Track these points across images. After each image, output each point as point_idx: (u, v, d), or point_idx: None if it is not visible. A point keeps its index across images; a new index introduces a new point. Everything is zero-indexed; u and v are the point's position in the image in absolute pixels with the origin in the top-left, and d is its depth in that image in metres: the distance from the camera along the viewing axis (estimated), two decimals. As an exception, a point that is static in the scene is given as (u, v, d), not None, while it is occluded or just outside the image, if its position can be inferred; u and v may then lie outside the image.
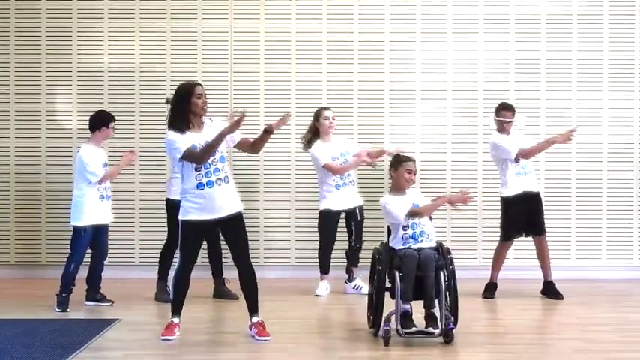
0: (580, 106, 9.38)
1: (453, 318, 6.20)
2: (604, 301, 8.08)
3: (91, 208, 7.60)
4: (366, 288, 7.48)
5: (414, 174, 6.65)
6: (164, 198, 8.10)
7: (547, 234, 8.28)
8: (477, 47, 9.38)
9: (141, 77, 9.37)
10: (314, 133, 8.44)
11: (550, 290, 8.14)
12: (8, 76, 9.38)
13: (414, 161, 6.76)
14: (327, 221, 8.33)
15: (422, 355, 5.93)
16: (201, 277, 8.50)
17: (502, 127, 8.19)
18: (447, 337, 6.15)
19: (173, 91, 6.53)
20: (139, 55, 9.39)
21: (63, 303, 7.49)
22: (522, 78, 9.36)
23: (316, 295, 8.21)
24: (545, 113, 9.36)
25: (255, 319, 6.45)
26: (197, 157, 6.28)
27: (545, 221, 8.34)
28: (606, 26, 9.37)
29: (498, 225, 8.31)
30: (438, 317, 6.17)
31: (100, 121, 7.78)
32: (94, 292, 7.73)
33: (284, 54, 9.38)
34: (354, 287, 8.32)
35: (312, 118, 8.52)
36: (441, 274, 6.21)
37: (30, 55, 9.38)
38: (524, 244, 8.64)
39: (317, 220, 8.43)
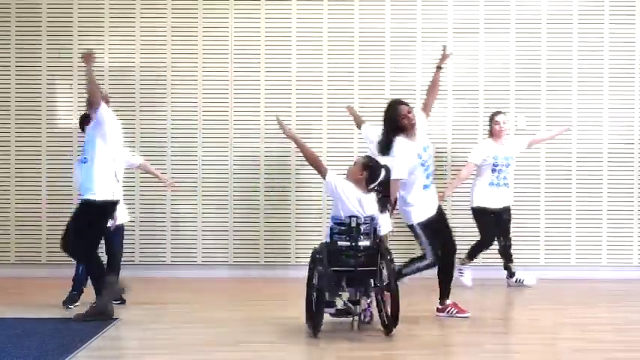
0: (580, 106, 9.38)
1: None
2: (604, 301, 8.08)
3: None
4: (529, 279, 8.37)
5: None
6: (164, 198, 8.08)
7: (547, 233, 8.27)
8: (478, 47, 9.38)
9: (141, 77, 9.37)
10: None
11: None
12: (9, 75, 9.38)
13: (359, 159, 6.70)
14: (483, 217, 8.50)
15: (422, 355, 5.92)
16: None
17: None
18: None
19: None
20: (139, 54, 9.39)
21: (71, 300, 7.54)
22: (523, 78, 9.36)
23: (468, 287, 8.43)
24: (545, 113, 9.36)
25: None
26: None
27: (545, 221, 8.31)
28: (607, 26, 9.37)
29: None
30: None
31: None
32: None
33: (284, 53, 9.38)
34: (515, 281, 8.52)
35: (311, 117, 8.48)
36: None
37: (30, 55, 9.38)
38: (523, 244, 8.63)
39: (317, 221, 8.41)
